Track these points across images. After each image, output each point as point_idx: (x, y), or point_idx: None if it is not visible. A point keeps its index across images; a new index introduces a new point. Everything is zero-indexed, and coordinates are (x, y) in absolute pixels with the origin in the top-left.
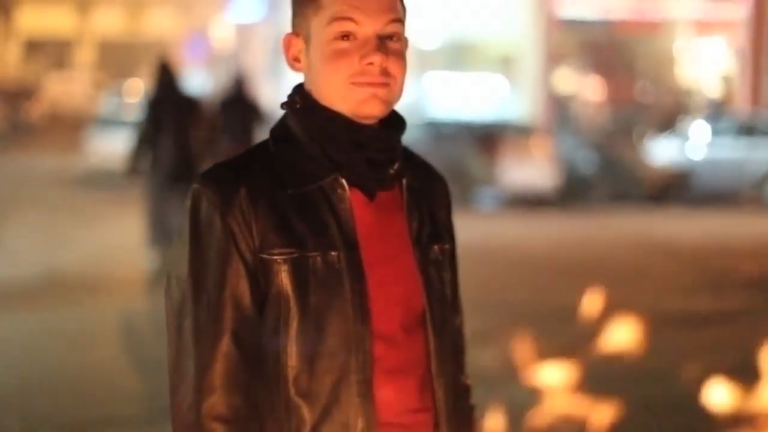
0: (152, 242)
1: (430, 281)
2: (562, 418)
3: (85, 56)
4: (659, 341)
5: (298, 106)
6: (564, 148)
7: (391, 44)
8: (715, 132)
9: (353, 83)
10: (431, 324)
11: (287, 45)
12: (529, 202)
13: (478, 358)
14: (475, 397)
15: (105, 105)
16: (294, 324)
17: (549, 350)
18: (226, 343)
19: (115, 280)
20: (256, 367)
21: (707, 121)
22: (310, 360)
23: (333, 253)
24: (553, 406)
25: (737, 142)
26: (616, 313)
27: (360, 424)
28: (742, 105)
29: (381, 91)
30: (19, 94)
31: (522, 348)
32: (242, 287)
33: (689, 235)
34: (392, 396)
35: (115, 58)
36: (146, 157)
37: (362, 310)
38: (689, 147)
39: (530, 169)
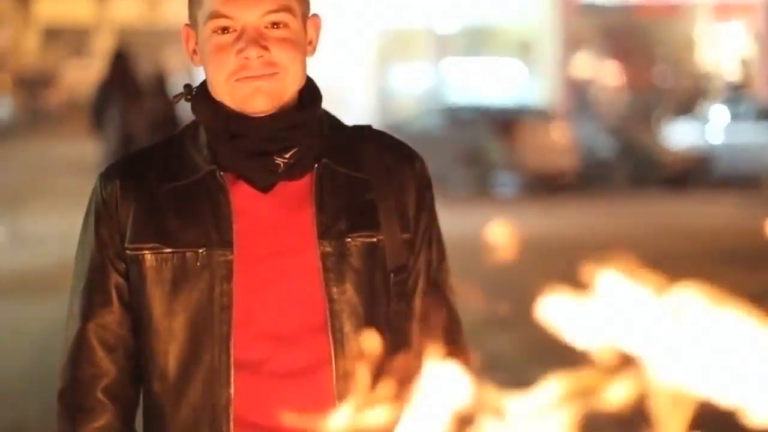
0: None
1: (338, 277)
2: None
3: (103, 44)
4: None
5: (189, 97)
6: (582, 133)
7: (274, 33)
8: (734, 116)
9: (237, 80)
10: (331, 324)
11: (185, 37)
12: (547, 187)
13: (498, 344)
14: (496, 381)
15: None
16: (153, 320)
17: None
18: (83, 330)
19: None
20: (124, 359)
21: (726, 105)
22: (171, 358)
23: (199, 250)
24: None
25: (756, 126)
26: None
27: (222, 425)
28: (761, 89)
29: (265, 84)
30: (37, 82)
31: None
32: (101, 279)
33: (708, 219)
34: (269, 398)
35: (134, 46)
36: (96, 131)
37: (226, 310)
38: (708, 131)
39: (549, 154)
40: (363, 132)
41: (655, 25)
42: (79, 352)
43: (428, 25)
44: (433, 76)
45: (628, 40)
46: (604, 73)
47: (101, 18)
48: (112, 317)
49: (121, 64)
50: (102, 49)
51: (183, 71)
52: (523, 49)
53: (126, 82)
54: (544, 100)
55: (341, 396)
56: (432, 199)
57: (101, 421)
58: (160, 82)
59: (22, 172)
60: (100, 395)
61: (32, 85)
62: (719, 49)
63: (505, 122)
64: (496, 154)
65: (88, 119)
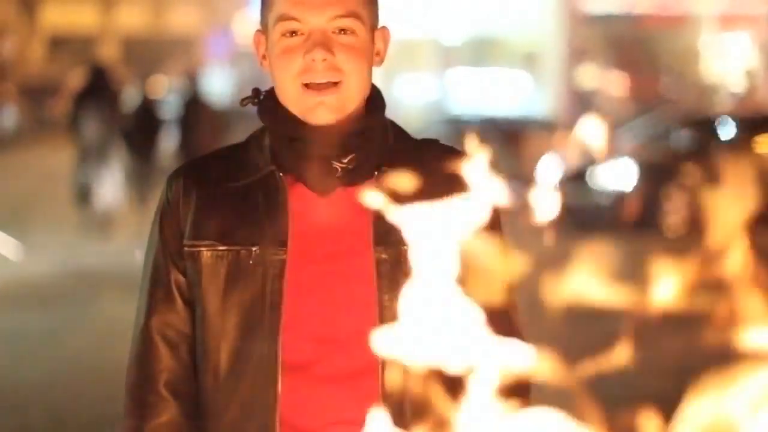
0: (77, 199)
1: (391, 285)
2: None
3: (108, 53)
4: (681, 341)
5: (256, 101)
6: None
7: (341, 38)
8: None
9: (304, 85)
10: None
11: (256, 43)
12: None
13: None
14: None
15: (128, 101)
16: (207, 317)
17: (577, 349)
18: (146, 327)
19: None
20: (187, 355)
21: (731, 116)
22: (223, 354)
23: (253, 248)
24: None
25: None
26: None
27: (268, 423)
28: (766, 99)
29: (329, 98)
30: (43, 91)
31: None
32: (164, 276)
33: None
34: (315, 401)
35: (139, 55)
36: (74, 131)
37: (276, 309)
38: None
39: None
40: (430, 145)
41: (660, 35)
42: (142, 348)
43: (434, 36)
44: (438, 86)
45: (633, 51)
46: (609, 84)
47: (106, 27)
48: (174, 314)
49: (99, 76)
50: (108, 58)
51: (185, 78)
52: (528, 60)
53: (104, 93)
54: (548, 110)
55: (387, 404)
56: (498, 215)
57: (165, 417)
58: (147, 103)
59: (27, 181)
60: (163, 391)
61: (37, 94)
62: (725, 60)
63: (510, 133)
64: (501, 165)
65: (66, 128)
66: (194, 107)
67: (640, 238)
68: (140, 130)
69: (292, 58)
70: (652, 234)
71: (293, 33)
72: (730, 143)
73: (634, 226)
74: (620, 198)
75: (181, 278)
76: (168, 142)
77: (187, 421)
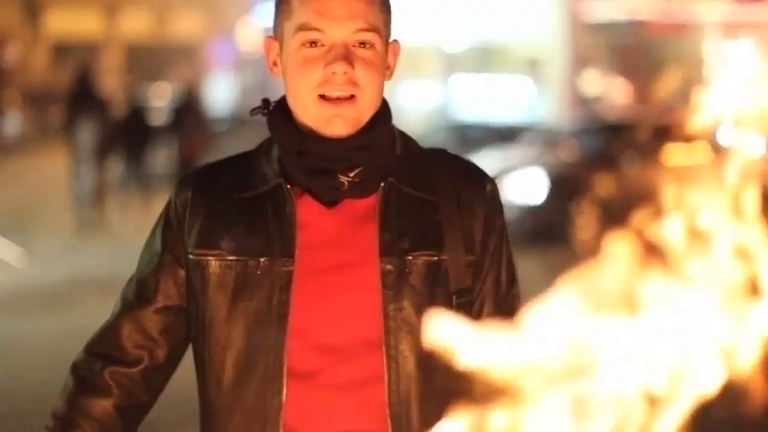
0: (74, 204)
1: (397, 295)
2: None
3: (112, 60)
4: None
5: (265, 111)
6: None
7: (360, 52)
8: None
9: (321, 96)
10: (386, 341)
11: (267, 48)
12: None
13: None
14: None
15: (119, 108)
16: (213, 327)
17: None
18: (117, 319)
19: None
20: (147, 359)
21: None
22: (228, 365)
23: (261, 259)
24: None
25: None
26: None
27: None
28: None
29: (346, 110)
30: (46, 98)
31: None
32: (152, 278)
33: None
34: (320, 410)
35: (143, 62)
36: (68, 135)
37: (283, 319)
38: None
39: None
40: (436, 155)
41: (663, 42)
42: (104, 332)
43: (437, 43)
44: (441, 93)
45: (636, 58)
46: (613, 91)
47: (110, 34)
48: (149, 315)
49: (84, 83)
50: (111, 65)
51: (187, 86)
52: (532, 67)
53: (90, 99)
54: (552, 117)
55: (392, 412)
56: (503, 223)
57: (97, 399)
58: (138, 112)
59: (31, 187)
60: (106, 376)
61: (41, 101)
62: (728, 66)
63: (514, 140)
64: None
65: (61, 132)
66: (186, 114)
67: (549, 254)
68: (129, 136)
69: (311, 69)
70: (562, 249)
71: (314, 43)
72: (642, 152)
73: (542, 241)
74: (528, 212)
75: (170, 286)
76: (160, 149)
77: (117, 415)
